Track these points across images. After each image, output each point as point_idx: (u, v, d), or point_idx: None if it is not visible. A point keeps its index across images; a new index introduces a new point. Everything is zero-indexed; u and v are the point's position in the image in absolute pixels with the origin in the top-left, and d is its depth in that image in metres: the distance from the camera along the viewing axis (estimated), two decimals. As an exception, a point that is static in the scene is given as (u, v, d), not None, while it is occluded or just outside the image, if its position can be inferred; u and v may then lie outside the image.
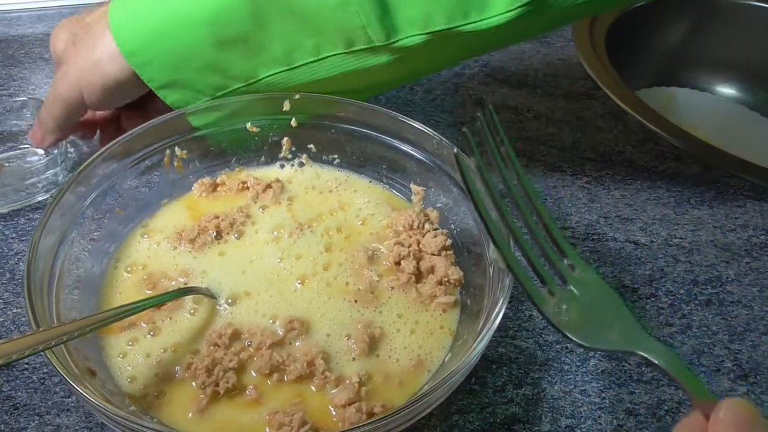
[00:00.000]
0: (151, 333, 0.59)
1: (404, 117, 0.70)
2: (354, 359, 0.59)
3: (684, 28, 1.13)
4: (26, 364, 0.62)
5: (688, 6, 1.11)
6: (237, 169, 0.75)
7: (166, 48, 0.65)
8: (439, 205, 0.70)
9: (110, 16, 0.66)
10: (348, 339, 0.60)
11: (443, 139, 0.67)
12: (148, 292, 0.63)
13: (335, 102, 0.71)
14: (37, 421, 0.58)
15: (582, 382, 0.63)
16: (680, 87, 1.10)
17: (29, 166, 0.78)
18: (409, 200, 0.73)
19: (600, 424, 0.60)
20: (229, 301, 0.62)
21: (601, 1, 0.70)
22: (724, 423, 0.38)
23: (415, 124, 0.69)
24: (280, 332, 0.60)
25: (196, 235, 0.66)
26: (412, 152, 0.71)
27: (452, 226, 0.69)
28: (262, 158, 0.76)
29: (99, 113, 0.79)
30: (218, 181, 0.73)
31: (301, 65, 0.67)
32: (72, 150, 0.83)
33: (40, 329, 0.49)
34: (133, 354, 0.58)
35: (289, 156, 0.76)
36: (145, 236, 0.68)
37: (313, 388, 0.56)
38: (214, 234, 0.67)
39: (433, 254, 0.66)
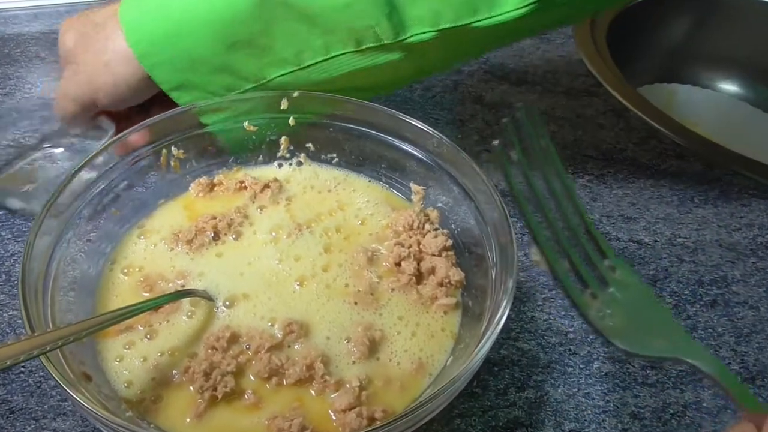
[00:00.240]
0: (148, 336, 0.58)
1: (403, 115, 0.69)
2: (354, 362, 0.58)
3: (686, 25, 1.12)
4: (22, 367, 0.62)
5: (690, 2, 1.11)
6: (234, 168, 0.74)
7: (179, 49, 0.65)
8: (440, 204, 0.70)
9: (121, 16, 0.66)
10: (348, 342, 0.59)
11: (443, 137, 0.66)
12: (145, 294, 0.62)
13: (334, 100, 0.70)
14: (33, 426, 0.58)
15: (586, 385, 0.62)
16: (682, 84, 1.09)
17: (61, 164, 0.77)
18: (409, 200, 0.72)
19: (604, 428, 0.59)
20: (227, 303, 0.61)
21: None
22: None
23: (414, 123, 0.68)
24: (278, 335, 0.59)
25: (193, 236, 0.65)
26: (411, 151, 0.70)
27: (453, 226, 0.68)
28: (260, 157, 0.75)
29: None
30: (215, 180, 0.72)
31: (311, 65, 0.67)
32: None
33: (35, 334, 0.48)
34: (129, 358, 0.57)
35: (287, 155, 0.75)
36: (142, 237, 0.67)
37: (312, 392, 0.56)
38: (212, 235, 0.66)
39: (434, 255, 0.65)
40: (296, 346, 0.58)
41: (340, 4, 0.61)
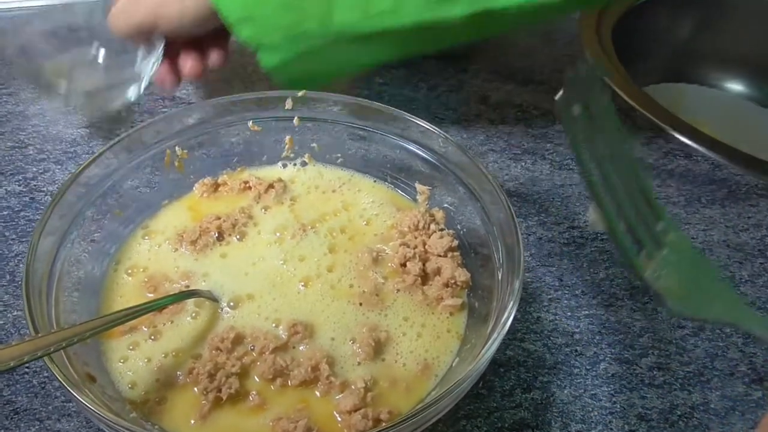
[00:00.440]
0: (152, 337, 0.58)
1: (409, 115, 0.68)
2: (359, 364, 0.57)
3: (693, 24, 1.11)
4: (26, 368, 0.61)
5: (697, 1, 1.10)
6: (239, 168, 0.74)
7: None
8: (445, 205, 0.69)
9: None
10: (353, 343, 0.59)
11: (448, 137, 0.66)
12: (149, 295, 0.62)
13: (338, 100, 0.70)
14: (37, 427, 0.57)
15: (592, 386, 0.62)
16: (689, 83, 1.08)
17: (99, 65, 0.79)
18: (415, 200, 0.72)
19: (611, 429, 0.59)
20: (231, 304, 0.61)
21: None
22: None
23: (419, 122, 0.68)
24: (283, 336, 0.58)
25: (197, 237, 0.65)
26: (416, 151, 0.70)
27: (459, 227, 0.68)
28: (264, 157, 0.74)
29: None
30: (219, 181, 0.72)
31: (378, 13, 0.66)
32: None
33: (39, 335, 0.48)
34: (133, 359, 0.57)
35: (292, 155, 0.75)
36: (146, 237, 0.67)
37: (317, 393, 0.55)
38: (216, 235, 0.66)
39: (440, 255, 0.65)
40: (301, 347, 0.58)
41: None
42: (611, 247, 0.74)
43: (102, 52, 0.81)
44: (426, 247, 0.65)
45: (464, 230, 0.67)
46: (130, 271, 0.64)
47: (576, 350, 0.64)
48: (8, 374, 0.61)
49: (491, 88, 0.98)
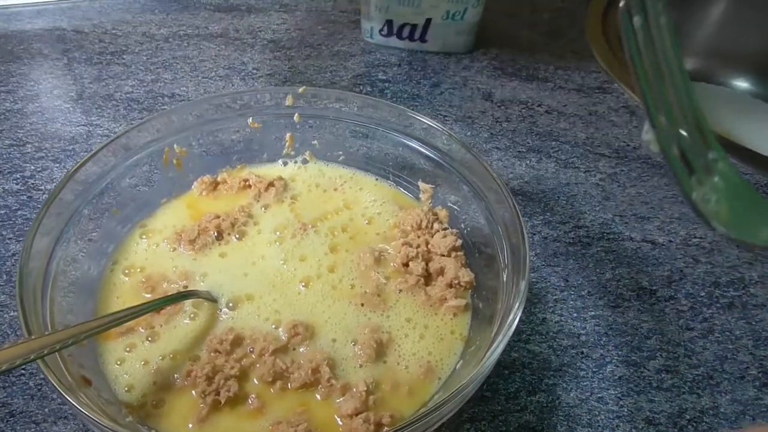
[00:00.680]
0: (150, 339, 0.57)
1: (412, 112, 0.67)
2: (361, 366, 0.56)
3: (699, 20, 1.10)
4: (22, 370, 0.60)
5: (704, -3, 1.09)
6: (238, 166, 0.73)
7: None
8: (449, 203, 0.68)
9: None
10: (354, 345, 0.57)
11: (452, 134, 0.65)
12: (147, 295, 0.60)
13: (340, 96, 0.69)
14: (33, 429, 0.56)
15: (599, 389, 0.60)
16: (695, 81, 1.07)
17: None
18: (417, 198, 0.70)
19: (618, 433, 0.58)
20: (230, 305, 0.60)
21: None
22: None
23: (423, 119, 0.67)
24: (283, 337, 0.57)
25: (196, 236, 0.64)
26: (420, 148, 0.68)
27: (462, 226, 0.67)
28: (264, 155, 0.73)
29: None
30: (219, 179, 0.71)
31: None
32: None
33: (32, 337, 0.47)
34: (130, 361, 0.56)
35: (292, 153, 0.74)
36: (144, 237, 0.65)
37: (318, 396, 0.54)
38: (215, 234, 0.65)
39: (443, 255, 0.64)
40: (301, 349, 0.57)
41: None
42: (617, 247, 0.73)
43: None
44: (429, 246, 0.64)
45: (468, 229, 0.66)
46: (127, 271, 0.62)
47: (582, 352, 0.63)
48: (4, 376, 0.60)
49: (496, 85, 0.97)
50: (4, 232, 0.72)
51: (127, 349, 0.56)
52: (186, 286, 0.61)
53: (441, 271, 0.63)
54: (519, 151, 0.85)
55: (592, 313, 0.67)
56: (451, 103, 0.93)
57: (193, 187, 0.70)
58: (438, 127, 0.66)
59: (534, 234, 0.74)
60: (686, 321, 0.66)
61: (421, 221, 0.66)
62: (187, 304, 0.59)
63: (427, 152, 0.68)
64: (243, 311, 0.60)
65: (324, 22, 1.09)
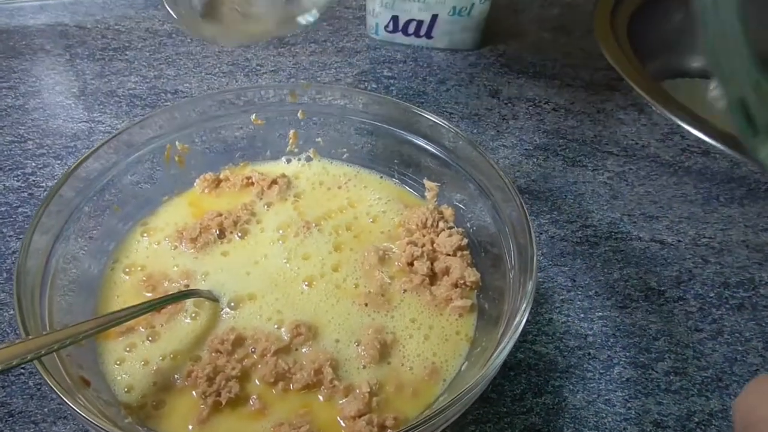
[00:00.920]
0: (150, 338, 0.56)
1: (417, 109, 0.67)
2: (364, 367, 0.55)
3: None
4: (22, 369, 0.60)
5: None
6: (241, 163, 0.72)
7: None
8: (455, 202, 0.67)
9: None
10: (358, 345, 0.57)
11: (459, 131, 0.64)
12: (148, 294, 0.60)
13: (344, 93, 0.68)
14: (32, 429, 0.56)
15: (606, 391, 0.59)
16: (706, 78, 1.06)
17: None
18: (423, 197, 0.70)
19: (626, 436, 0.57)
20: (232, 304, 0.59)
21: None
22: None
23: (429, 116, 0.66)
24: (285, 338, 0.56)
25: (197, 234, 0.64)
26: (425, 146, 0.68)
27: (468, 225, 0.66)
28: (268, 152, 0.73)
29: None
30: (221, 176, 0.70)
31: None
32: None
33: (30, 337, 0.46)
34: (130, 361, 0.55)
35: (296, 150, 0.73)
36: (145, 235, 0.65)
37: (320, 397, 0.53)
38: (217, 233, 0.64)
39: (448, 254, 0.63)
40: (304, 350, 0.56)
41: None
42: (625, 247, 0.72)
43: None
44: (434, 245, 0.63)
45: (474, 228, 0.65)
46: (128, 269, 0.62)
47: (589, 353, 0.62)
48: (3, 376, 0.59)
49: (502, 82, 0.96)
50: (4, 230, 0.71)
51: (127, 349, 0.56)
52: (187, 285, 0.60)
53: (446, 271, 0.62)
54: (526, 149, 0.84)
55: (600, 313, 0.66)
56: (457, 100, 0.92)
57: (195, 184, 0.69)
58: (444, 124, 0.65)
59: (541, 233, 0.73)
60: (695, 322, 0.65)
61: (427, 220, 0.65)
62: (188, 303, 0.59)
63: (433, 150, 0.67)
64: (245, 311, 0.59)
65: (328, 18, 1.08)
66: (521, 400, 0.59)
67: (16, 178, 0.77)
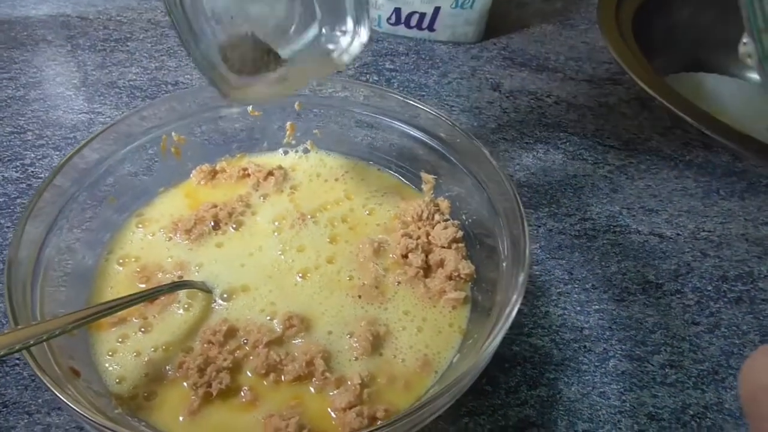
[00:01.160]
0: (142, 330, 0.56)
1: (416, 101, 0.66)
2: (356, 359, 0.55)
3: (714, 12, 1.08)
4: (17, 360, 0.59)
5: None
6: (238, 155, 0.72)
7: None
8: (451, 194, 0.67)
9: None
10: (350, 337, 0.56)
11: (456, 124, 0.64)
12: (142, 285, 0.60)
13: (343, 84, 0.68)
14: (26, 420, 0.56)
15: (601, 384, 0.59)
16: (709, 72, 1.05)
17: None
18: (420, 189, 0.69)
19: (620, 428, 0.56)
20: (225, 295, 0.59)
21: None
22: None
23: (427, 109, 0.65)
24: (278, 329, 0.56)
25: (192, 226, 0.63)
26: (423, 138, 0.67)
27: (464, 217, 0.65)
28: (265, 144, 0.72)
29: None
30: (218, 167, 0.70)
31: None
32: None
33: (19, 327, 0.46)
34: (122, 352, 0.55)
35: (293, 142, 0.72)
36: (140, 226, 0.65)
37: (312, 389, 0.53)
38: (212, 224, 0.64)
39: (443, 247, 0.62)
40: (296, 341, 0.56)
41: None
42: (624, 240, 0.72)
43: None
44: (429, 238, 0.63)
45: (470, 221, 0.65)
46: (122, 260, 0.62)
47: (585, 346, 0.62)
48: (-2, 366, 0.59)
49: (504, 75, 0.96)
50: (2, 221, 0.71)
51: (120, 339, 0.56)
52: (181, 277, 0.60)
53: (441, 263, 0.61)
54: (526, 143, 0.84)
55: (596, 306, 0.65)
56: (459, 93, 0.92)
57: (191, 175, 0.69)
58: (442, 116, 0.65)
59: (539, 226, 0.73)
60: (692, 315, 0.65)
61: (422, 212, 0.65)
62: (182, 294, 0.58)
63: (430, 142, 0.67)
64: (238, 302, 0.59)
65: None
66: (516, 393, 0.58)
67: (14, 169, 0.77)
